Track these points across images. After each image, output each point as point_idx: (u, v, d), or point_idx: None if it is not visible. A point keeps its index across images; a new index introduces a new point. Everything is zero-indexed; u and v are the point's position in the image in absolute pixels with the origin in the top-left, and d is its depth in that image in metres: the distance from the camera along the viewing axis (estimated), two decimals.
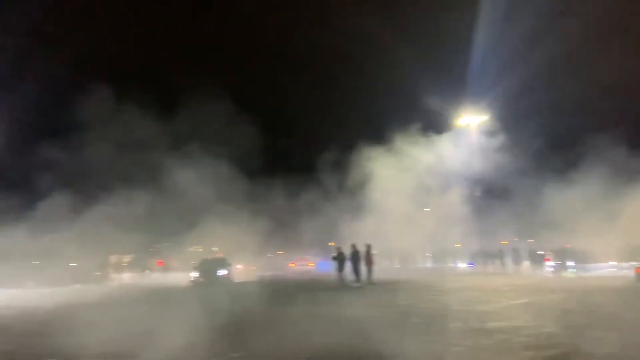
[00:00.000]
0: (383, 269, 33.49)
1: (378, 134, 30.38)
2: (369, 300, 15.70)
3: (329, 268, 25.33)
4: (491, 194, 32.94)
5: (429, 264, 34.10)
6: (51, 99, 28.00)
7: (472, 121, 32.40)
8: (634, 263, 21.35)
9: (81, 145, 22.68)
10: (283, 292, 20.55)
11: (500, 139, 29.29)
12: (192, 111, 22.93)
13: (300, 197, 28.41)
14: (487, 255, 31.04)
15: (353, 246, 22.59)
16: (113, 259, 31.37)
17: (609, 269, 25.90)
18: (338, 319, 11.31)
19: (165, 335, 8.87)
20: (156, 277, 31.39)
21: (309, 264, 36.12)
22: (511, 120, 31.76)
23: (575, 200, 24.32)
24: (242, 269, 37.70)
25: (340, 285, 21.24)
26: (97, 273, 28.95)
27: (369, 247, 22.95)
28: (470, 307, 12.45)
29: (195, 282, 24.82)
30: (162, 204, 24.17)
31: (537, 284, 19.79)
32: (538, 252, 29.42)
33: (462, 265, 33.29)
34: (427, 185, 32.41)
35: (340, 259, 22.64)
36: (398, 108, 36.67)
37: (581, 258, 26.36)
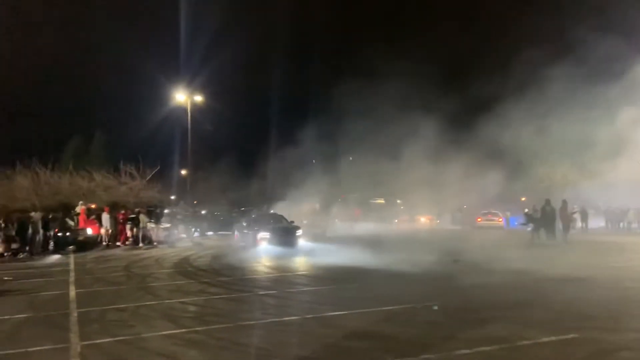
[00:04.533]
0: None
1: None
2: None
3: (521, 225, 24.03)
4: None
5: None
6: None
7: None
8: None
9: None
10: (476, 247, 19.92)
11: None
12: None
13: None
14: None
15: (547, 202, 21.08)
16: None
17: None
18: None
19: None
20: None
21: (498, 219, 34.12)
22: None
23: None
24: (426, 221, 38.16)
25: (533, 244, 19.95)
26: None
27: (564, 203, 21.45)
28: None
29: None
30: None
31: None
32: None
33: None
34: None
35: (533, 215, 21.43)
36: None
37: None
